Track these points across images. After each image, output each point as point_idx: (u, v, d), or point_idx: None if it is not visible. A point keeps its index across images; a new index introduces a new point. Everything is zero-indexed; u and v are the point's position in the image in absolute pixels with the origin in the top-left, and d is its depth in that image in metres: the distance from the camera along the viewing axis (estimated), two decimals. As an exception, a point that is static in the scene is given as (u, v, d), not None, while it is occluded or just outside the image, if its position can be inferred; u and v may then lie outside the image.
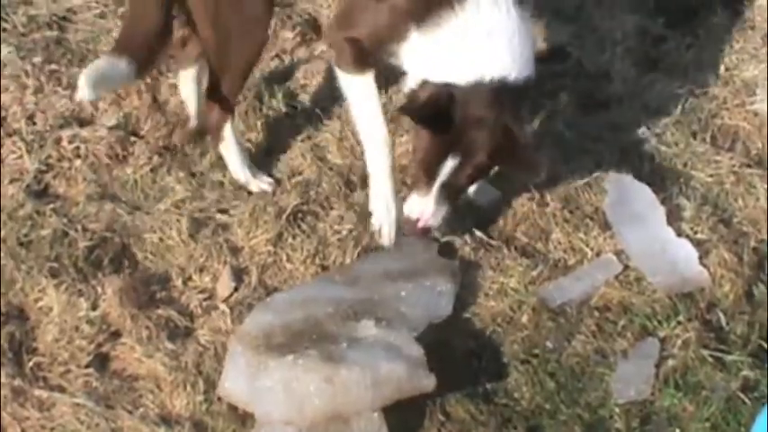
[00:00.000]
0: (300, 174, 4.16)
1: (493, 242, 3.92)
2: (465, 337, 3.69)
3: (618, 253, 3.84)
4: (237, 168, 4.12)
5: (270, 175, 4.15)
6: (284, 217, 3.95)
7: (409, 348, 3.47)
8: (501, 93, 3.52)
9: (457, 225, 3.92)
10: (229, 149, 4.10)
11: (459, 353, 3.65)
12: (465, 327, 3.72)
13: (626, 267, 3.80)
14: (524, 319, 3.72)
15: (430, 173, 3.62)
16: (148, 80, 4.42)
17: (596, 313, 3.71)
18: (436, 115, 3.53)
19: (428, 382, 3.42)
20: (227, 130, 4.06)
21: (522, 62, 3.55)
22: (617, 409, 3.46)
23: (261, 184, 4.12)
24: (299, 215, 3.99)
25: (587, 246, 3.88)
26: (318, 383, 3.38)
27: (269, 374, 3.43)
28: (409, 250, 3.84)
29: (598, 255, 3.86)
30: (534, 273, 3.82)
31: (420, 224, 3.67)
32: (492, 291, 3.80)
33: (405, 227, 3.73)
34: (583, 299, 3.75)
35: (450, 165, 3.58)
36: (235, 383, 3.49)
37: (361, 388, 3.39)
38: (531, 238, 3.94)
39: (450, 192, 3.66)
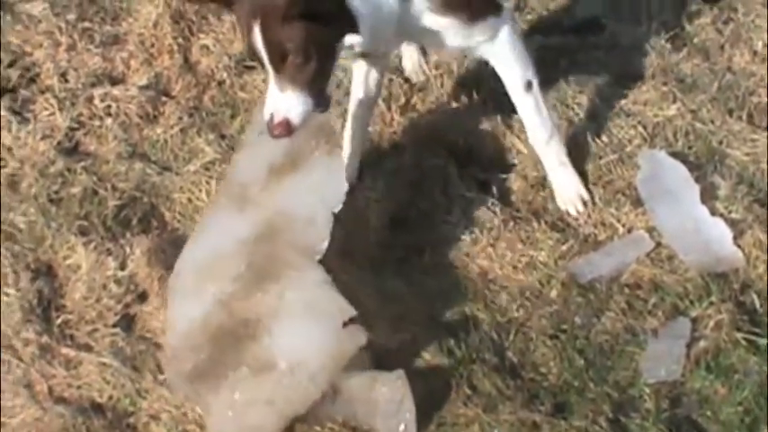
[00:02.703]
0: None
1: (522, 215, 3.89)
2: (492, 310, 3.67)
3: (650, 230, 3.78)
4: None
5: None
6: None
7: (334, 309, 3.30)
8: None
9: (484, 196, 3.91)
10: None
11: (486, 326, 3.62)
12: (493, 299, 3.70)
13: (658, 245, 3.75)
14: (553, 293, 3.69)
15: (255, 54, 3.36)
16: (180, 40, 4.40)
17: (627, 290, 3.67)
18: None
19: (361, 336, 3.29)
20: None
21: None
22: (647, 389, 3.42)
23: None
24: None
25: (618, 221, 3.84)
26: (264, 409, 3.25)
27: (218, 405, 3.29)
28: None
29: (629, 231, 3.81)
30: (564, 247, 3.78)
31: (276, 119, 3.32)
32: (521, 264, 3.77)
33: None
34: (613, 275, 3.71)
35: (257, 32, 3.28)
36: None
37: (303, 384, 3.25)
38: (562, 211, 3.90)
39: (292, 70, 3.30)
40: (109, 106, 4.20)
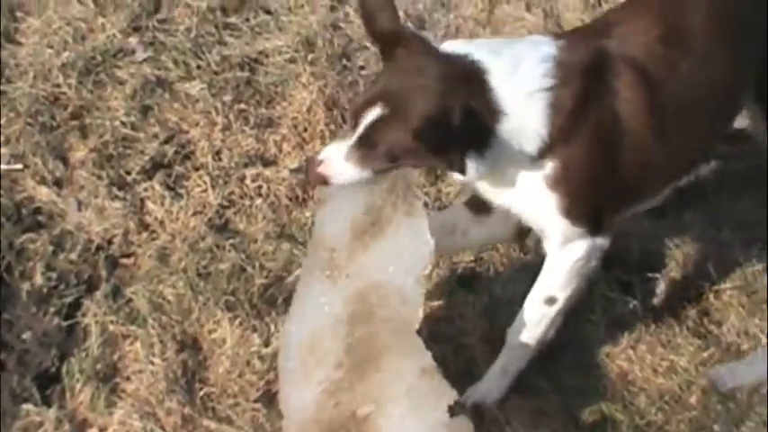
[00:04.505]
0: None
1: (664, 319, 3.88)
2: (631, 412, 3.65)
3: (794, 342, 3.76)
4: None
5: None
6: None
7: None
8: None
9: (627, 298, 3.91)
10: None
11: (624, 427, 3.61)
12: (632, 401, 3.69)
13: (802, 358, 3.72)
14: (693, 399, 3.68)
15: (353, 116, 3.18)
16: (332, 126, 4.51)
17: (769, 402, 3.64)
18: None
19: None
20: None
21: None
22: (786, 504, 3.38)
23: None
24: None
25: (762, 332, 3.82)
26: None
27: None
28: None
29: (773, 342, 3.79)
30: (706, 354, 3.77)
31: (319, 169, 3.20)
32: (661, 367, 3.76)
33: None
34: (754, 386, 3.68)
35: (373, 115, 3.11)
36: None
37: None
38: (705, 319, 3.89)
39: (368, 154, 3.14)
40: (260, 187, 4.30)
